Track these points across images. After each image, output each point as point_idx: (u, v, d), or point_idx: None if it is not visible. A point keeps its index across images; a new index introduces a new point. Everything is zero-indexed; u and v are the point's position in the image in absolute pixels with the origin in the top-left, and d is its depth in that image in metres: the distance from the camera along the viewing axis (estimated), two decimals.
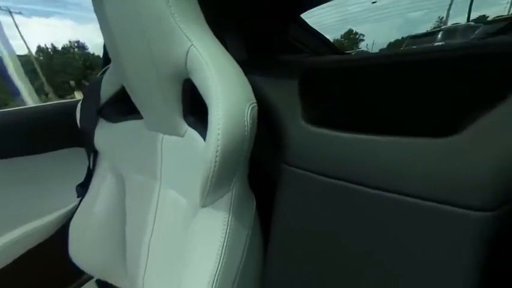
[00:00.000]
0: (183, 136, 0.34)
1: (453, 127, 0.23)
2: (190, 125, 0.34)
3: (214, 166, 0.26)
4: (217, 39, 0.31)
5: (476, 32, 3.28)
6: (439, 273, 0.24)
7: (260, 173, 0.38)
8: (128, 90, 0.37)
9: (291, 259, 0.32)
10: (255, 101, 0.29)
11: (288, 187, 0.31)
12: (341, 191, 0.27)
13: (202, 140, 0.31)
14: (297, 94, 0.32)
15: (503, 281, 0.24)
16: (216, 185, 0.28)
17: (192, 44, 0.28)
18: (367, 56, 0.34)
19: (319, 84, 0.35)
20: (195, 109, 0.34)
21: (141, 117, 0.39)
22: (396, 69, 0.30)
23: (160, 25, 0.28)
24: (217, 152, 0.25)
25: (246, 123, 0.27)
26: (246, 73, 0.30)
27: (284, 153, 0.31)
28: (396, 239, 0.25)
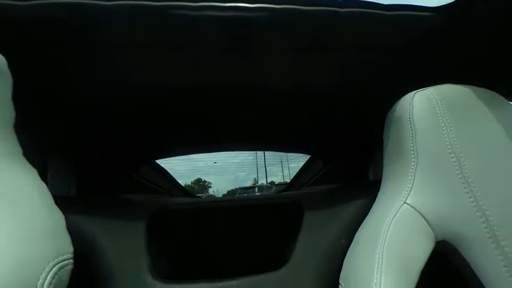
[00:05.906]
0: None
1: (282, 254, 0.30)
2: None
3: None
4: (25, 161, 0.23)
5: (272, 189, 5.69)
6: None
7: None
8: None
9: None
10: (69, 255, 0.22)
11: None
12: None
13: None
14: (144, 241, 0.28)
15: None
16: None
17: None
18: (217, 199, 0.41)
19: (170, 226, 0.33)
20: None
21: None
22: (238, 210, 0.36)
23: None
24: None
25: None
26: (69, 213, 0.24)
27: None
28: None
